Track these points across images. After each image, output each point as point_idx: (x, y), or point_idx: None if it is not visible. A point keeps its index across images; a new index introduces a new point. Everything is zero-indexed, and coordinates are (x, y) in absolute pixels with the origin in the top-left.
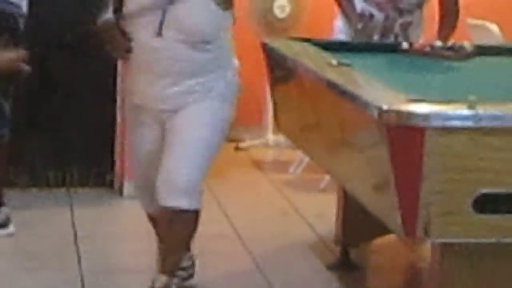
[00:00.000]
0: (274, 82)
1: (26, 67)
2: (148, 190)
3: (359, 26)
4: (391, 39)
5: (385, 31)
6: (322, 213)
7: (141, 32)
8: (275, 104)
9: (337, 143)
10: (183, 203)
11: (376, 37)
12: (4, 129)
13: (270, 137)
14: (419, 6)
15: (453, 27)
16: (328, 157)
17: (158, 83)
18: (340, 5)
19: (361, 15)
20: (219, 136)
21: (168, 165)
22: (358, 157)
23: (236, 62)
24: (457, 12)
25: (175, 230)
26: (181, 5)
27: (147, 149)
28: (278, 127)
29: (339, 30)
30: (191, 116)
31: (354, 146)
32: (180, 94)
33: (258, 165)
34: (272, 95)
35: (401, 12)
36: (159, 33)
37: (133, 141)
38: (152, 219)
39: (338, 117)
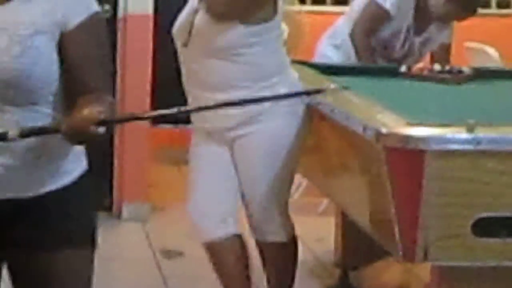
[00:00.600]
0: None
1: (101, 130)
2: (210, 215)
3: None
4: None
5: None
6: (321, 236)
7: (178, 46)
8: None
9: (336, 166)
10: (270, 238)
11: None
12: None
13: None
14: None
15: None
16: (327, 181)
17: (201, 97)
18: (358, 51)
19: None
20: (287, 163)
21: (249, 207)
22: (357, 180)
23: (293, 75)
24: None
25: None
26: (202, 15)
27: (213, 172)
28: None
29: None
30: (252, 150)
31: (353, 169)
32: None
33: None
34: None
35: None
36: (185, 44)
37: (198, 166)
38: (211, 249)
39: (337, 141)
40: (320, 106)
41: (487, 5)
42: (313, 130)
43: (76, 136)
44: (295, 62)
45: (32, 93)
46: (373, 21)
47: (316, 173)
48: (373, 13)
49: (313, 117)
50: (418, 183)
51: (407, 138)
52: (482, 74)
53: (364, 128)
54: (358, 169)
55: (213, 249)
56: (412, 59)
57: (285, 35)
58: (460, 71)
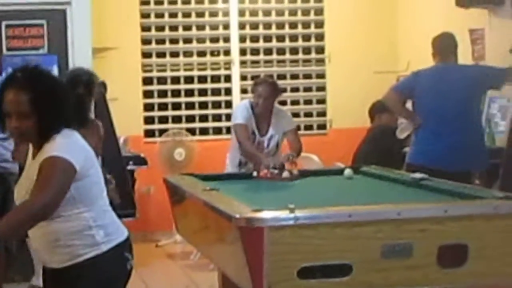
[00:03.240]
0: (173, 203)
1: None
2: None
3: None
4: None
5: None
6: (212, 283)
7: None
8: (174, 217)
9: (213, 240)
10: None
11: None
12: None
13: (178, 237)
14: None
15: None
16: (208, 250)
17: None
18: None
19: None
20: None
21: None
22: (225, 249)
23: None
24: (300, 147)
25: None
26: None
27: None
28: (178, 231)
29: (228, 165)
30: None
31: (222, 242)
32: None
33: (170, 256)
34: (172, 211)
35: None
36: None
37: None
38: None
39: (212, 224)
40: (200, 202)
41: (311, 128)
42: (197, 218)
43: None
44: (187, 174)
45: None
46: (243, 134)
47: (201, 245)
48: (238, 132)
49: (197, 209)
50: (261, 248)
51: (252, 220)
52: (308, 174)
53: (226, 215)
54: (225, 242)
55: None
56: (267, 150)
57: (183, 156)
58: (291, 172)
